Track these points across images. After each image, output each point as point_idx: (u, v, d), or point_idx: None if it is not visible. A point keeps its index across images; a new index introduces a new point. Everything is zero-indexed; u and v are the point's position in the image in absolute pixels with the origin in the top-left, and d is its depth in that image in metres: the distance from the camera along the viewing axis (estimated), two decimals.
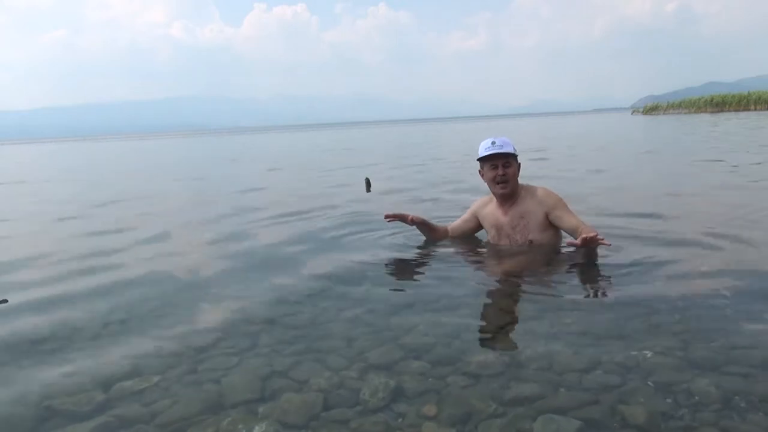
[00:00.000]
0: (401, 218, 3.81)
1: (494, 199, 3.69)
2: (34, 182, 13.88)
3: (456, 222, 3.97)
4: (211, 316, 2.85)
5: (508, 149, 3.47)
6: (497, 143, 3.49)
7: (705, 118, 35.59)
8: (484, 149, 3.51)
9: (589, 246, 3.17)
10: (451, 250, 3.80)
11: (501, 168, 3.48)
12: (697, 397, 1.80)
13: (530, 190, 3.60)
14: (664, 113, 60.43)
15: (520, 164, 3.60)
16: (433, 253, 3.78)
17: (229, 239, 4.83)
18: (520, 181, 3.63)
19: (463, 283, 3.17)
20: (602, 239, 3.06)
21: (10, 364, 2.37)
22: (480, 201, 3.86)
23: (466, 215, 3.91)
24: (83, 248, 4.70)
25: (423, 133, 41.71)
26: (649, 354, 2.10)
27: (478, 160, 3.57)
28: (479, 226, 3.86)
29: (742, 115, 38.91)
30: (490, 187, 3.61)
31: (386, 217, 3.79)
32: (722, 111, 51.12)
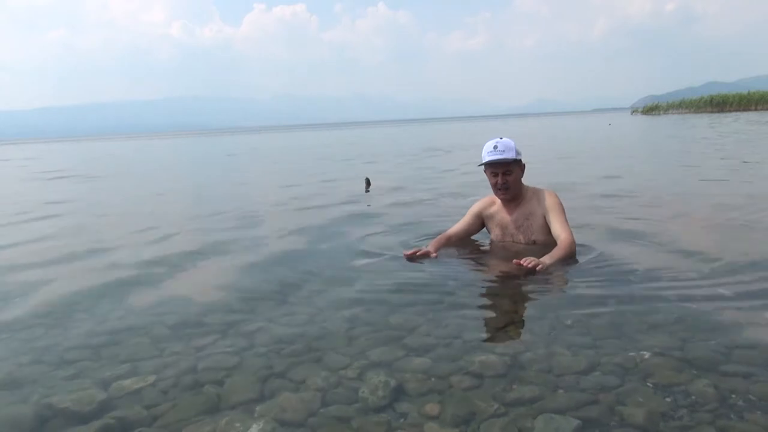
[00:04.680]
0: (425, 255, 3.56)
1: (498, 200, 3.70)
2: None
3: (457, 226, 3.89)
4: (211, 315, 2.85)
5: (510, 155, 3.45)
6: (499, 147, 3.47)
7: (718, 118, 35.41)
8: (487, 153, 3.50)
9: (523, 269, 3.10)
10: (453, 249, 3.80)
11: (501, 176, 3.49)
12: (694, 397, 1.81)
13: (537, 192, 3.61)
14: (664, 113, 60.37)
15: (524, 165, 3.61)
16: (441, 255, 3.78)
17: (228, 237, 4.84)
18: (530, 183, 3.66)
19: (464, 283, 3.18)
20: (529, 265, 3.05)
21: (8, 361, 2.37)
22: (483, 201, 3.85)
23: (467, 217, 3.88)
24: (86, 246, 4.70)
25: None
26: (647, 354, 2.11)
27: (479, 165, 3.58)
28: (482, 226, 3.86)
29: (743, 115, 38.88)
30: (492, 190, 3.63)
31: (409, 256, 3.55)
32: (722, 111, 51.07)
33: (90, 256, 4.36)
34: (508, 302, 2.94)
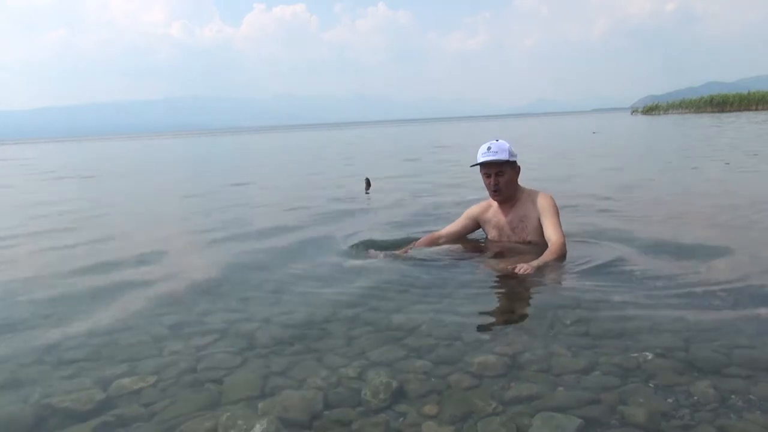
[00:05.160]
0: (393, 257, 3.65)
1: (495, 202, 3.71)
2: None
3: (449, 227, 3.91)
4: (211, 316, 2.85)
5: (502, 156, 3.47)
6: (492, 149, 3.49)
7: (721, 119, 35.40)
8: (480, 155, 3.53)
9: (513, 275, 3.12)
10: (452, 249, 3.79)
11: (494, 177, 3.52)
12: (696, 397, 1.80)
13: (532, 195, 3.62)
14: (664, 113, 60.32)
15: (519, 167, 3.61)
16: (433, 254, 3.77)
17: (227, 237, 4.84)
18: (526, 185, 3.66)
19: (463, 283, 3.17)
20: (526, 272, 3.06)
21: (9, 362, 2.36)
22: (479, 206, 3.86)
23: (461, 220, 3.90)
24: (85, 255, 4.70)
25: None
26: (649, 355, 2.10)
27: (472, 166, 3.59)
28: (474, 229, 3.88)
29: (744, 115, 38.88)
30: (487, 191, 3.64)
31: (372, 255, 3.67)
32: (723, 111, 51.03)
33: (92, 257, 4.36)
34: (507, 302, 2.94)
